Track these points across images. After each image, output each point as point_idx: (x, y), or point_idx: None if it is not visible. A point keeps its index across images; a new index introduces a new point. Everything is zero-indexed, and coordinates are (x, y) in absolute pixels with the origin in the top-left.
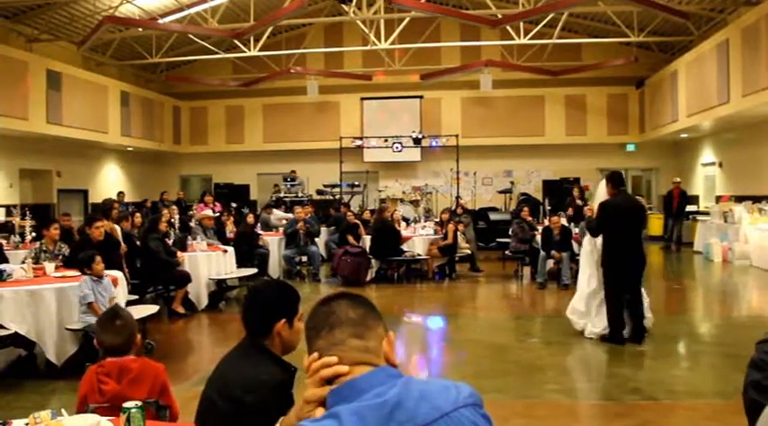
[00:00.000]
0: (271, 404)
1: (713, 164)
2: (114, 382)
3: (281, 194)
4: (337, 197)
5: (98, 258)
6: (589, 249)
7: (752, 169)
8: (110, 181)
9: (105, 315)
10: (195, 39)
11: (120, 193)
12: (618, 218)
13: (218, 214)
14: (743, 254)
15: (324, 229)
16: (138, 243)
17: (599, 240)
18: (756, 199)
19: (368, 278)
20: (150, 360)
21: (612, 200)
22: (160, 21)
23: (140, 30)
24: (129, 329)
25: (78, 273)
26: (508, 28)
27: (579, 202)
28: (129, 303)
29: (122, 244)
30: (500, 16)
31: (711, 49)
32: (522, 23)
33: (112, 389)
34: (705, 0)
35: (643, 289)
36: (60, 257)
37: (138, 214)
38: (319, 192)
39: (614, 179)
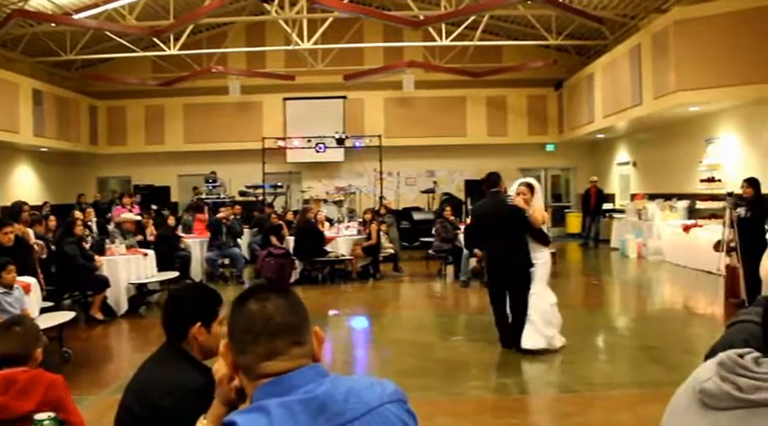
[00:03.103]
0: (189, 408)
1: (628, 163)
2: None
3: (203, 196)
4: (260, 198)
5: (11, 267)
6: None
7: (663, 168)
8: (22, 184)
9: (5, 322)
10: (112, 36)
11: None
12: (485, 223)
13: (139, 217)
14: (656, 250)
15: (247, 231)
16: (52, 247)
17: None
18: (667, 197)
19: (292, 279)
20: (45, 372)
21: (479, 204)
22: (75, 16)
23: (53, 25)
24: (26, 338)
25: None
26: (430, 29)
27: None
28: (44, 310)
29: (36, 246)
30: (422, 17)
31: (625, 53)
32: (443, 25)
33: None
34: (619, 6)
35: (536, 302)
36: None
37: (52, 217)
38: (242, 194)
39: (488, 180)
